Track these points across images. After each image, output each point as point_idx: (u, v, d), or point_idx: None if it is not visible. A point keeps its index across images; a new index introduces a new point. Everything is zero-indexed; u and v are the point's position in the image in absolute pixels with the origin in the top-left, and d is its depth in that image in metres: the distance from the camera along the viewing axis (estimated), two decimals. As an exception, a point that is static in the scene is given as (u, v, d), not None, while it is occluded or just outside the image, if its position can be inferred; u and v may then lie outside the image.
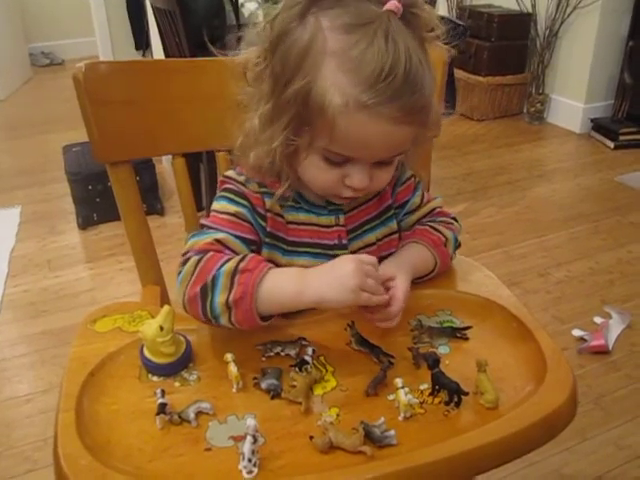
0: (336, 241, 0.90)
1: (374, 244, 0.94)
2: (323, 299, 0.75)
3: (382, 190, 0.93)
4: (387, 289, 0.81)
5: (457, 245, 0.98)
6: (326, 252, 0.90)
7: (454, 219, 1.00)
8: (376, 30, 0.71)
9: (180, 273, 0.80)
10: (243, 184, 0.88)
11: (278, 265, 0.86)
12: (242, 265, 0.77)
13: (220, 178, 0.91)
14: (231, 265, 0.77)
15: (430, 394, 0.74)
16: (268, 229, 0.88)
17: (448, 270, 0.97)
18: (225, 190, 0.89)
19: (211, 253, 0.80)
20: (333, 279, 0.75)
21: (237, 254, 0.82)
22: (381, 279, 0.79)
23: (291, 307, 0.79)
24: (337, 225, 0.90)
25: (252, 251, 0.86)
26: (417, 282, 0.91)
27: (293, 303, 0.77)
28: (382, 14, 0.72)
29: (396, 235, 0.96)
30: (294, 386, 0.73)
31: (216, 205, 0.88)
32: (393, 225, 0.96)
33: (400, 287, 0.82)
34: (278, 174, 0.85)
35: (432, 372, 0.74)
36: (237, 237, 0.84)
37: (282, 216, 0.89)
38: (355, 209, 0.92)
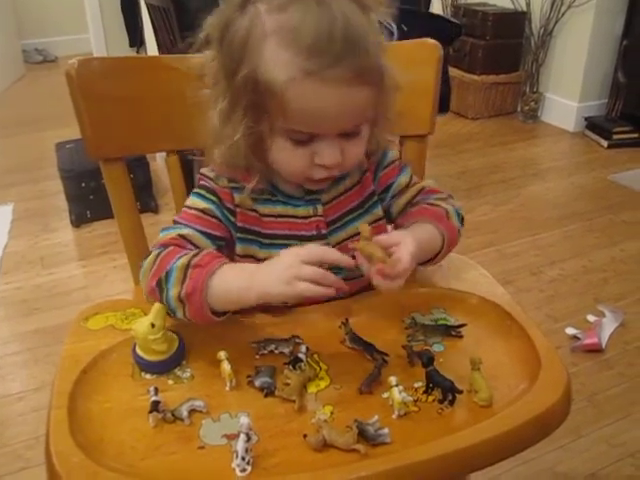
0: (314, 232, 0.90)
1: (359, 233, 0.91)
2: (266, 293, 0.75)
3: (361, 175, 0.92)
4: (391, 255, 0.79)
5: (461, 218, 0.95)
6: (305, 244, 0.88)
7: (449, 196, 0.98)
8: (308, 1, 0.73)
9: (142, 267, 0.83)
10: (213, 180, 0.89)
11: (257, 259, 0.88)
12: (195, 260, 0.79)
13: (197, 175, 0.92)
14: (184, 260, 0.79)
15: (424, 392, 0.74)
16: (239, 224, 0.89)
17: (442, 269, 0.97)
18: (198, 187, 0.90)
19: (171, 248, 0.82)
20: (271, 272, 0.75)
21: (200, 249, 0.83)
22: (335, 263, 0.77)
23: (240, 303, 0.79)
24: (315, 216, 0.90)
25: (219, 247, 0.87)
26: (428, 264, 0.90)
27: (242, 299, 0.78)
28: None
29: (383, 221, 0.95)
30: (288, 384, 0.73)
31: (188, 201, 0.90)
32: (378, 211, 0.95)
33: (404, 248, 0.79)
34: (247, 168, 0.86)
35: (426, 370, 0.74)
36: (202, 233, 0.86)
37: (255, 210, 0.88)
38: (335, 199, 0.91)
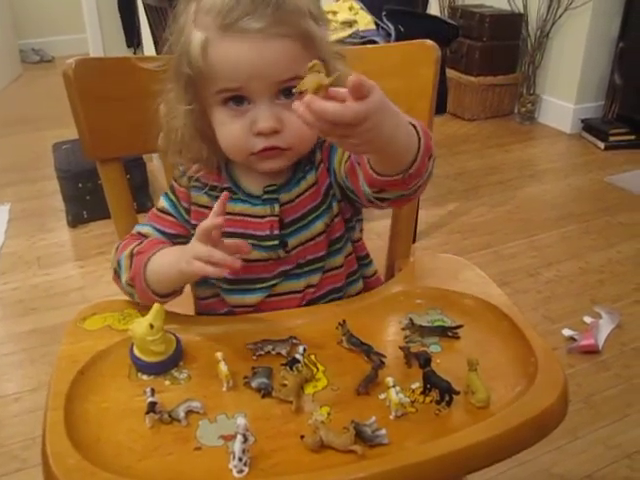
0: (268, 232, 0.89)
1: (323, 233, 0.90)
2: (181, 272, 0.80)
3: (317, 172, 0.90)
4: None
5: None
6: (259, 243, 0.89)
7: None
8: None
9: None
10: (176, 180, 0.93)
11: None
12: (137, 248, 0.87)
13: None
14: (130, 248, 0.88)
15: (421, 393, 0.74)
16: (192, 222, 0.91)
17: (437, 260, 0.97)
18: (169, 187, 0.96)
19: (125, 241, 0.91)
20: (184, 251, 0.80)
21: (146, 239, 0.91)
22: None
23: (171, 281, 0.84)
24: (271, 215, 0.89)
25: (177, 243, 0.91)
26: (417, 161, 0.74)
27: (171, 278, 0.84)
28: None
29: (339, 218, 0.92)
30: (285, 385, 0.73)
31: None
32: (335, 206, 0.91)
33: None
34: (198, 156, 0.89)
35: (423, 371, 0.74)
36: (158, 230, 0.92)
37: (212, 208, 0.86)
38: (296, 199, 0.90)
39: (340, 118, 0.61)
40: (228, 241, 0.79)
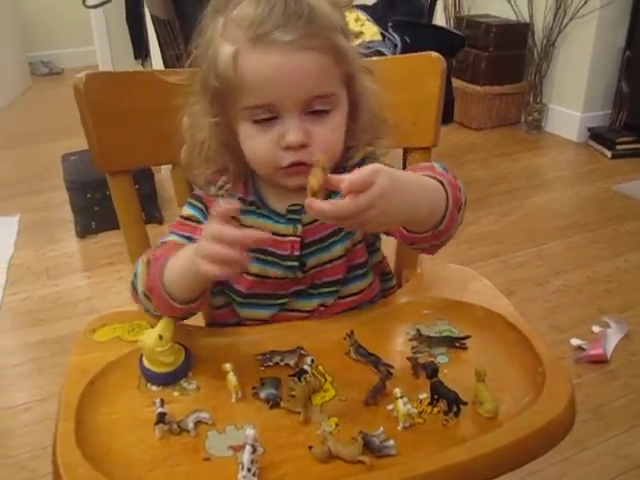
0: (288, 252, 0.88)
1: (342, 256, 0.90)
2: (197, 272, 0.74)
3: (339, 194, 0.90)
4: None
5: (453, 176, 0.82)
6: (278, 261, 0.88)
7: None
8: None
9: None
10: (202, 188, 0.91)
11: None
12: (153, 254, 0.83)
13: None
14: (146, 256, 0.83)
15: (429, 404, 0.74)
16: None
17: (447, 275, 0.97)
18: (190, 196, 0.94)
19: (147, 253, 0.86)
20: (193, 252, 0.75)
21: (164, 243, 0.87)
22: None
23: (191, 285, 0.79)
24: (294, 235, 0.88)
25: None
26: (445, 220, 0.77)
27: (190, 282, 0.78)
28: None
29: (362, 244, 0.92)
30: (293, 396, 0.73)
31: (181, 210, 0.94)
32: (357, 233, 0.91)
33: (355, 173, 0.65)
34: (226, 166, 0.88)
35: (431, 382, 0.74)
36: (185, 237, 0.88)
37: (238, 220, 0.87)
38: (317, 220, 0.87)
39: (339, 215, 0.64)
40: (247, 231, 0.74)
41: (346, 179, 0.64)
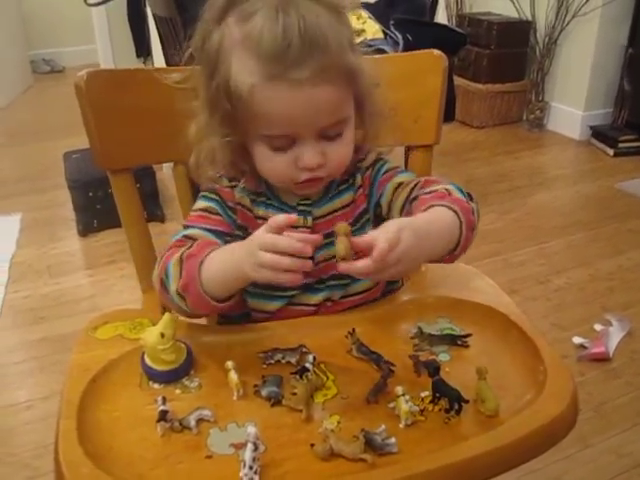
0: None
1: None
2: (247, 276, 0.75)
3: (354, 194, 0.92)
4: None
5: (468, 195, 0.87)
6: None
7: (450, 183, 0.89)
8: (269, 9, 0.75)
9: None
10: (215, 181, 0.91)
11: None
12: (187, 252, 0.81)
13: None
14: (179, 254, 0.81)
15: (431, 402, 0.74)
16: (238, 222, 0.91)
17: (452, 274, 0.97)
18: (202, 190, 0.93)
19: (171, 250, 0.84)
20: (243, 256, 0.75)
21: (195, 241, 0.86)
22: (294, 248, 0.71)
23: (230, 284, 0.79)
24: (304, 227, 0.90)
25: (226, 242, 0.87)
26: (457, 251, 0.81)
27: (230, 281, 0.78)
28: None
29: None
30: (295, 394, 0.73)
31: (194, 205, 0.93)
32: (369, 231, 0.92)
33: (380, 237, 0.69)
34: (236, 171, 0.89)
35: (432, 380, 0.74)
36: (207, 230, 0.88)
37: (251, 210, 0.90)
38: (329, 215, 0.91)
39: (371, 273, 0.70)
40: (296, 234, 0.72)
41: (375, 250, 0.68)
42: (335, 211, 0.92)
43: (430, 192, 0.86)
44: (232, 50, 0.79)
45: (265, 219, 0.88)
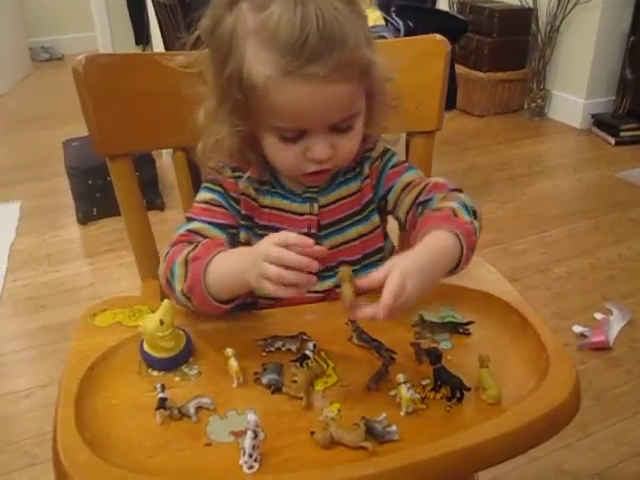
0: (305, 230, 0.89)
1: (356, 239, 0.92)
2: (249, 283, 0.74)
3: (361, 182, 0.92)
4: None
5: (472, 211, 0.87)
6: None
7: (457, 190, 0.92)
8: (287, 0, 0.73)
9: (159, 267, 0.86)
10: (218, 171, 0.90)
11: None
12: (192, 254, 0.80)
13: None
14: (184, 255, 0.81)
15: (432, 389, 0.73)
16: (243, 212, 0.90)
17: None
18: (205, 181, 0.92)
19: (176, 246, 0.84)
20: (248, 265, 0.74)
21: (199, 241, 0.85)
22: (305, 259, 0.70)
23: (234, 289, 0.79)
24: (310, 214, 0.90)
25: (231, 235, 0.88)
26: (455, 271, 0.82)
27: (234, 286, 0.78)
28: None
29: (379, 230, 0.95)
30: (295, 381, 0.73)
31: (197, 196, 0.92)
32: (376, 219, 0.94)
33: (386, 289, 0.69)
34: (244, 159, 0.87)
35: (434, 367, 0.74)
36: (211, 223, 0.88)
37: (256, 200, 0.90)
38: (335, 202, 0.91)
39: (380, 317, 0.70)
40: (299, 257, 0.70)
41: (382, 301, 0.68)
42: (342, 199, 0.92)
43: (437, 209, 0.86)
44: (246, 39, 0.77)
45: (270, 207, 0.90)
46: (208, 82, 0.85)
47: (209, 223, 0.87)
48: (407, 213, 0.92)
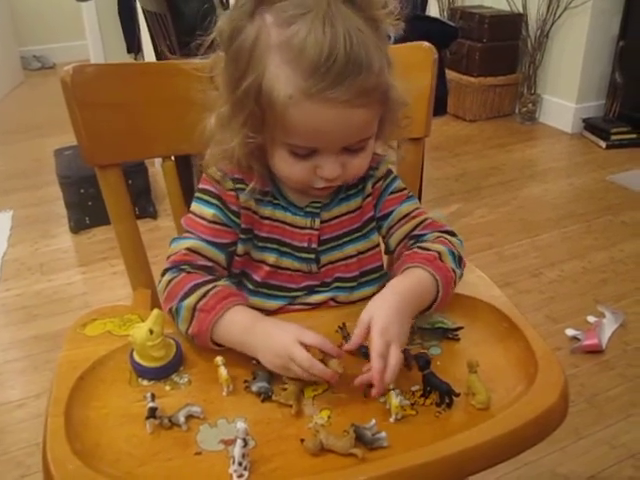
0: (305, 244, 0.89)
1: (354, 256, 0.92)
2: (259, 360, 0.77)
3: (363, 200, 0.92)
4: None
5: (458, 259, 0.88)
6: (294, 253, 0.89)
7: (451, 233, 0.92)
8: (314, 18, 0.71)
9: (159, 284, 0.86)
10: (218, 182, 0.88)
11: (252, 259, 0.89)
12: (201, 304, 0.80)
13: (203, 175, 0.92)
14: (192, 300, 0.80)
15: (422, 395, 0.74)
16: (242, 225, 0.89)
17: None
18: (200, 191, 0.90)
19: (181, 275, 0.83)
20: (268, 344, 0.76)
21: (210, 261, 0.86)
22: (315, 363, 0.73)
23: (241, 350, 0.80)
24: (311, 228, 0.89)
25: (229, 253, 0.88)
26: (429, 309, 0.84)
27: (241, 349, 0.79)
28: (321, 0, 0.72)
29: (378, 249, 0.95)
30: (285, 389, 0.73)
31: (193, 206, 0.90)
32: (375, 238, 0.94)
33: (373, 366, 0.72)
34: (250, 169, 0.86)
35: (423, 373, 0.74)
36: (210, 243, 0.87)
37: (256, 212, 0.89)
38: (336, 218, 0.91)
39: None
40: (325, 371, 0.73)
41: (375, 388, 0.71)
42: (342, 215, 0.91)
43: (425, 249, 0.87)
44: (268, 53, 0.75)
45: (271, 219, 0.89)
46: (221, 88, 0.83)
47: (208, 242, 0.87)
48: (399, 243, 0.93)
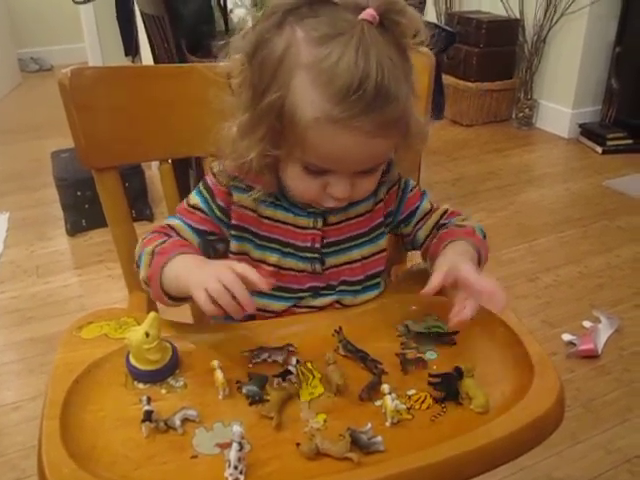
0: (309, 243, 0.89)
1: (359, 261, 0.92)
2: (190, 290, 0.76)
3: (374, 205, 0.92)
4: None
5: (483, 235, 0.93)
6: (297, 253, 0.90)
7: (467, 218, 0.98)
8: (348, 42, 0.70)
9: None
10: (215, 175, 0.90)
11: (251, 258, 0.90)
12: (158, 248, 0.84)
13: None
14: (152, 246, 0.85)
15: (442, 400, 0.74)
16: (233, 222, 0.90)
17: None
18: (200, 182, 0.92)
19: (153, 234, 0.88)
20: (197, 279, 0.75)
21: (185, 240, 0.88)
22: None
23: (183, 292, 0.79)
24: (314, 228, 0.89)
25: (209, 241, 0.91)
26: None
27: (182, 289, 0.79)
28: (356, 24, 0.71)
29: (384, 254, 0.95)
30: (267, 400, 0.72)
31: (190, 193, 0.93)
32: (382, 243, 0.95)
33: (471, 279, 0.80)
34: (259, 174, 0.85)
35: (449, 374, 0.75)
36: (188, 226, 0.89)
37: (256, 211, 0.89)
38: (343, 222, 0.91)
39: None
40: (246, 295, 0.73)
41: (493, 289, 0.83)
42: (350, 219, 0.91)
43: (459, 225, 0.93)
44: (296, 71, 0.73)
45: (272, 219, 0.89)
46: (241, 96, 0.81)
47: (187, 225, 0.89)
48: (428, 235, 0.96)
